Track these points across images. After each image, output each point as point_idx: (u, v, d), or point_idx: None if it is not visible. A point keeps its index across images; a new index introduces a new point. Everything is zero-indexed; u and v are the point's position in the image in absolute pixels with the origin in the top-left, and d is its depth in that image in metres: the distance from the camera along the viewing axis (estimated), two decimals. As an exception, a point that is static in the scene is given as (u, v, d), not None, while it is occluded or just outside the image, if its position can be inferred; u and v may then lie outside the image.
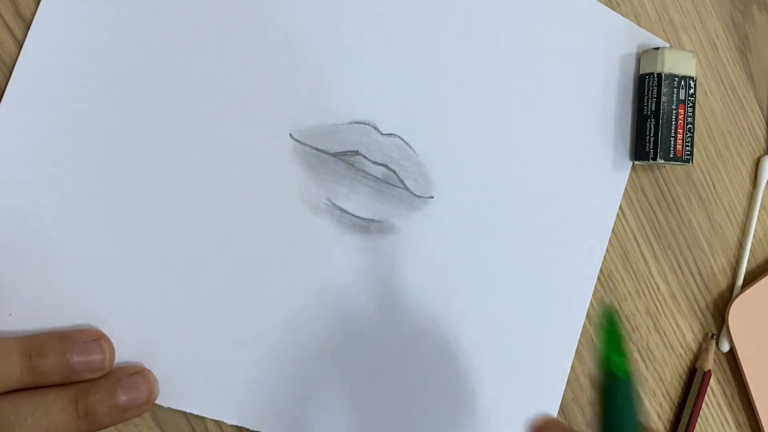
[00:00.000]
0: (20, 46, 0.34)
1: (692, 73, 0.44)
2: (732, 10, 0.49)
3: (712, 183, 0.48)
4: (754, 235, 0.49)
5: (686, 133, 0.44)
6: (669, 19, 0.47)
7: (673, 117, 0.43)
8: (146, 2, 0.36)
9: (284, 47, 0.38)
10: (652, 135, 0.43)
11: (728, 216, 0.49)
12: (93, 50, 0.35)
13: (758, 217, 0.49)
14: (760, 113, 0.50)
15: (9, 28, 0.34)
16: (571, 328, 0.44)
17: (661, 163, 0.43)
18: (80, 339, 0.33)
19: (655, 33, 0.46)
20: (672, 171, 0.47)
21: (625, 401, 0.29)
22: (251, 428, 0.37)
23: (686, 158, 0.44)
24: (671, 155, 0.43)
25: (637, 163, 0.45)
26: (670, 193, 0.47)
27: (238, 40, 0.37)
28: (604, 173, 0.44)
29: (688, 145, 0.44)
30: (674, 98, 0.43)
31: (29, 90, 0.34)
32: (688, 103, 0.44)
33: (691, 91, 0.44)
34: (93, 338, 0.33)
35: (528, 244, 0.43)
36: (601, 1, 0.44)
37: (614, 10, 0.45)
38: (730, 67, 0.49)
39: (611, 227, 0.45)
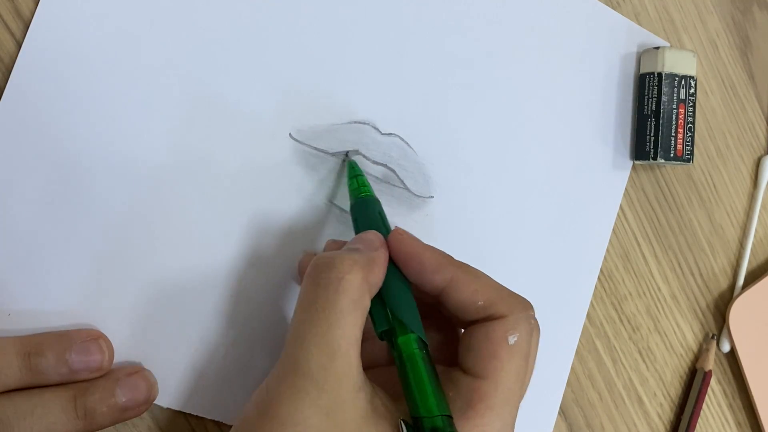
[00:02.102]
0: (19, 46, 0.34)
1: (693, 73, 0.44)
2: (732, 9, 0.49)
3: (713, 183, 0.48)
4: (754, 235, 0.49)
5: (686, 133, 0.43)
6: (669, 19, 0.47)
7: (674, 116, 0.43)
8: (145, 1, 0.36)
9: (284, 47, 0.38)
10: (652, 134, 0.43)
11: (729, 216, 0.48)
12: (92, 49, 0.35)
13: (759, 217, 0.49)
14: (760, 113, 0.49)
15: (8, 28, 0.34)
16: (571, 328, 0.44)
17: (662, 162, 0.43)
18: (79, 339, 0.33)
19: (655, 32, 0.46)
20: (672, 171, 0.47)
21: (372, 207, 0.35)
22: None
23: (687, 158, 0.44)
24: (671, 155, 0.43)
25: (637, 162, 0.45)
26: (670, 192, 0.47)
27: (237, 40, 0.37)
28: (604, 173, 0.44)
29: (688, 145, 0.44)
30: (674, 98, 0.43)
31: (28, 89, 0.34)
32: (689, 103, 0.44)
33: (692, 90, 0.44)
34: (92, 338, 0.33)
35: (527, 244, 0.42)
36: (601, 1, 0.44)
37: (615, 10, 0.45)
38: (731, 66, 0.49)
39: (611, 227, 0.45)
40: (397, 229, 0.33)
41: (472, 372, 0.30)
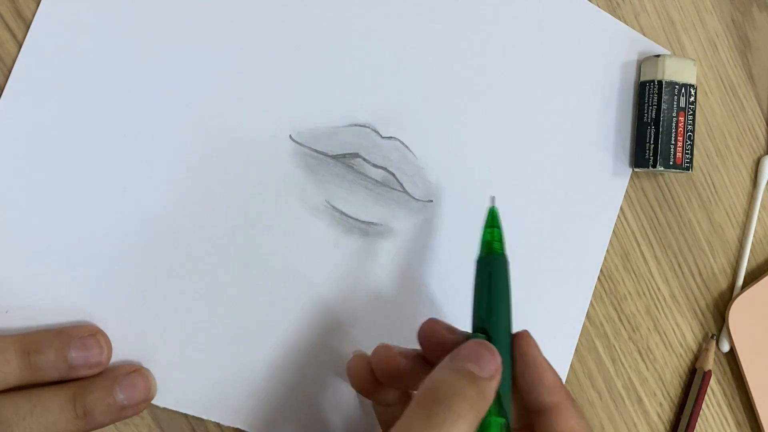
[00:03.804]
0: (20, 46, 0.34)
1: (693, 81, 0.44)
2: (732, 10, 0.49)
3: (713, 183, 0.48)
4: (754, 235, 0.49)
5: (686, 141, 0.43)
6: (669, 20, 0.47)
7: (674, 124, 0.43)
8: (146, 2, 0.36)
9: (284, 49, 0.38)
10: (652, 142, 0.43)
11: (728, 216, 0.49)
12: (92, 50, 0.35)
13: (758, 217, 0.49)
14: (760, 113, 0.49)
15: (9, 28, 0.34)
16: (570, 329, 0.44)
17: (661, 170, 0.43)
18: (77, 335, 0.33)
19: (655, 33, 0.46)
20: (672, 171, 0.47)
21: (499, 274, 0.33)
22: (249, 431, 0.37)
23: (686, 166, 0.44)
24: (671, 162, 0.43)
25: (636, 170, 0.45)
26: (670, 193, 0.47)
27: (237, 42, 0.37)
28: (603, 180, 0.44)
29: (688, 153, 0.44)
30: (674, 106, 0.43)
31: (28, 90, 0.34)
32: (689, 111, 0.43)
33: (692, 98, 0.43)
34: (90, 333, 0.33)
35: (527, 249, 0.43)
36: (601, 3, 0.44)
37: (614, 10, 0.45)
38: (730, 67, 0.49)
39: (610, 234, 0.45)
40: (527, 333, 0.33)
41: None
